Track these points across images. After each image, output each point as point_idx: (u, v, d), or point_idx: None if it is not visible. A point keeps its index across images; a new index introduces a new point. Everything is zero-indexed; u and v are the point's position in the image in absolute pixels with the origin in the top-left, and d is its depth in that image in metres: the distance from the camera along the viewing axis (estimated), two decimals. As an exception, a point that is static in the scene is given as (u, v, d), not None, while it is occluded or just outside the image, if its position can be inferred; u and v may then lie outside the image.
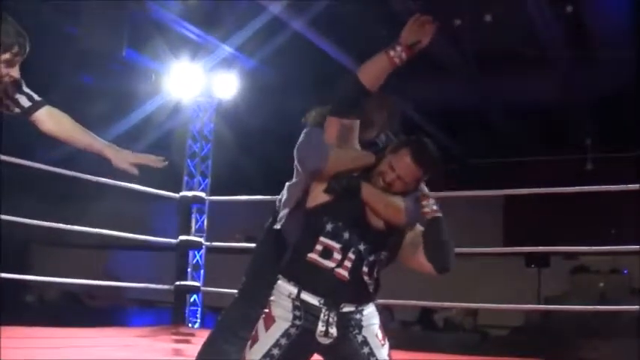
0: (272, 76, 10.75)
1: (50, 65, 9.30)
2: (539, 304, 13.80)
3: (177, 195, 8.44)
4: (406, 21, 2.91)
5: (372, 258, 2.94)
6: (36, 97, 3.22)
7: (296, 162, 3.45)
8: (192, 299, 8.66)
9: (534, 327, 13.39)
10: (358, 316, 2.92)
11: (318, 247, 2.90)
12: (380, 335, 2.98)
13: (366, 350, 2.91)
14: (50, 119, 3.25)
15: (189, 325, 8.45)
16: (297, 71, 10.60)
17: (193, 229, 8.56)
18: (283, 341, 2.86)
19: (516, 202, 14.20)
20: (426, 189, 3.04)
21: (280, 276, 2.96)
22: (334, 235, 2.91)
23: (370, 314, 2.97)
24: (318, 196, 2.99)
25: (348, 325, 2.89)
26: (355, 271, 2.90)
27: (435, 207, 2.98)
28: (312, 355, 3.00)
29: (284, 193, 3.85)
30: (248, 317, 3.17)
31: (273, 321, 2.90)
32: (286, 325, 2.87)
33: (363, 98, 2.94)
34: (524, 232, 14.46)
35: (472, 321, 13.06)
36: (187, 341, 7.15)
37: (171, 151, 9.20)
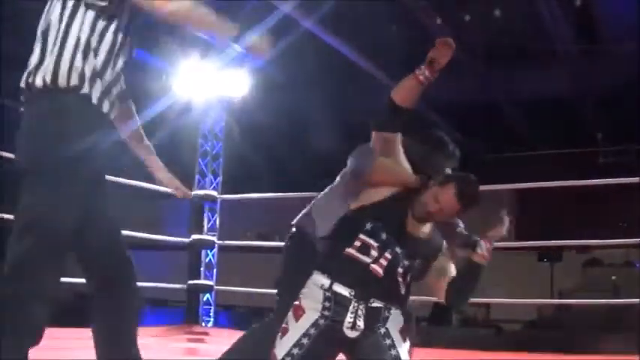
0: (282, 75, 10.75)
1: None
2: (552, 298, 13.78)
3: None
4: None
5: (407, 262, 3.00)
6: None
7: (348, 169, 3.58)
8: (205, 298, 8.66)
9: (547, 321, 13.38)
10: (386, 313, 2.98)
11: (357, 243, 2.97)
12: (403, 333, 3.03)
13: (387, 342, 2.97)
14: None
15: (203, 324, 8.46)
16: (307, 69, 10.61)
17: (205, 227, 8.57)
18: (312, 331, 2.93)
19: (528, 196, 14.21)
20: (461, 225, 3.15)
21: (315, 270, 3.03)
22: (373, 234, 2.98)
23: (397, 315, 3.03)
24: (364, 198, 3.09)
25: (376, 321, 2.95)
26: (390, 269, 2.96)
27: (487, 254, 3.05)
28: (337, 352, 3.05)
29: (320, 203, 3.75)
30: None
31: (303, 312, 2.97)
32: (316, 315, 2.94)
33: (397, 113, 3.11)
34: (536, 227, 14.46)
35: (485, 312, 13.06)
36: (201, 340, 7.17)
37: (182, 150, 9.20)
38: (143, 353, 3.23)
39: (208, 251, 8.63)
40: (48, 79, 2.85)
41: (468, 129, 13.58)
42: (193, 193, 8.50)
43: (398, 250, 2.98)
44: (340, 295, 2.93)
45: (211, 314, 8.75)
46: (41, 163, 2.83)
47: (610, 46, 9.93)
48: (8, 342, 2.78)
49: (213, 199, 8.56)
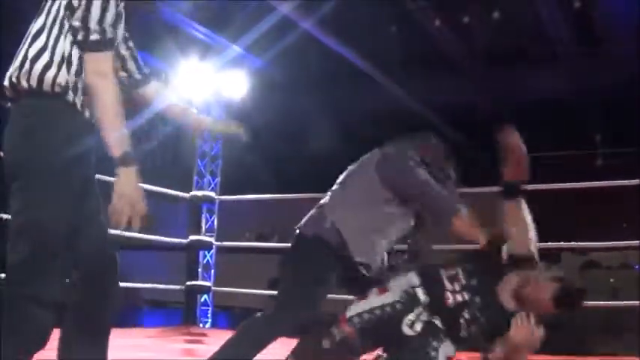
0: (281, 75, 10.75)
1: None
2: (551, 300, 13.75)
3: (187, 195, 8.43)
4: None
5: (477, 315, 3.19)
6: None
7: (405, 190, 3.61)
8: (203, 299, 8.65)
9: (546, 322, 13.36)
10: (442, 336, 3.16)
11: (451, 271, 3.26)
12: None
13: (432, 354, 3.12)
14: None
15: (201, 325, 8.44)
16: (306, 70, 10.60)
17: (204, 228, 8.56)
18: (387, 309, 3.20)
19: (526, 198, 14.18)
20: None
21: (413, 270, 3.32)
22: (467, 274, 3.25)
23: (450, 345, 3.19)
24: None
25: (431, 336, 3.14)
26: (458, 308, 3.19)
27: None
28: (387, 343, 3.24)
29: (353, 217, 3.53)
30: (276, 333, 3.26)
31: (387, 291, 3.27)
32: (395, 297, 3.20)
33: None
34: (534, 229, 14.42)
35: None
36: (199, 341, 7.14)
37: (180, 151, 9.19)
38: (141, 354, 3.22)
39: (206, 252, 8.62)
40: (33, 84, 2.84)
41: (466, 130, 13.57)
42: (191, 194, 8.49)
43: (477, 299, 3.19)
44: (417, 297, 3.20)
45: (209, 315, 8.74)
46: (30, 168, 2.82)
47: (610, 47, 9.93)
48: (12, 347, 2.78)
49: (211, 200, 8.55)
